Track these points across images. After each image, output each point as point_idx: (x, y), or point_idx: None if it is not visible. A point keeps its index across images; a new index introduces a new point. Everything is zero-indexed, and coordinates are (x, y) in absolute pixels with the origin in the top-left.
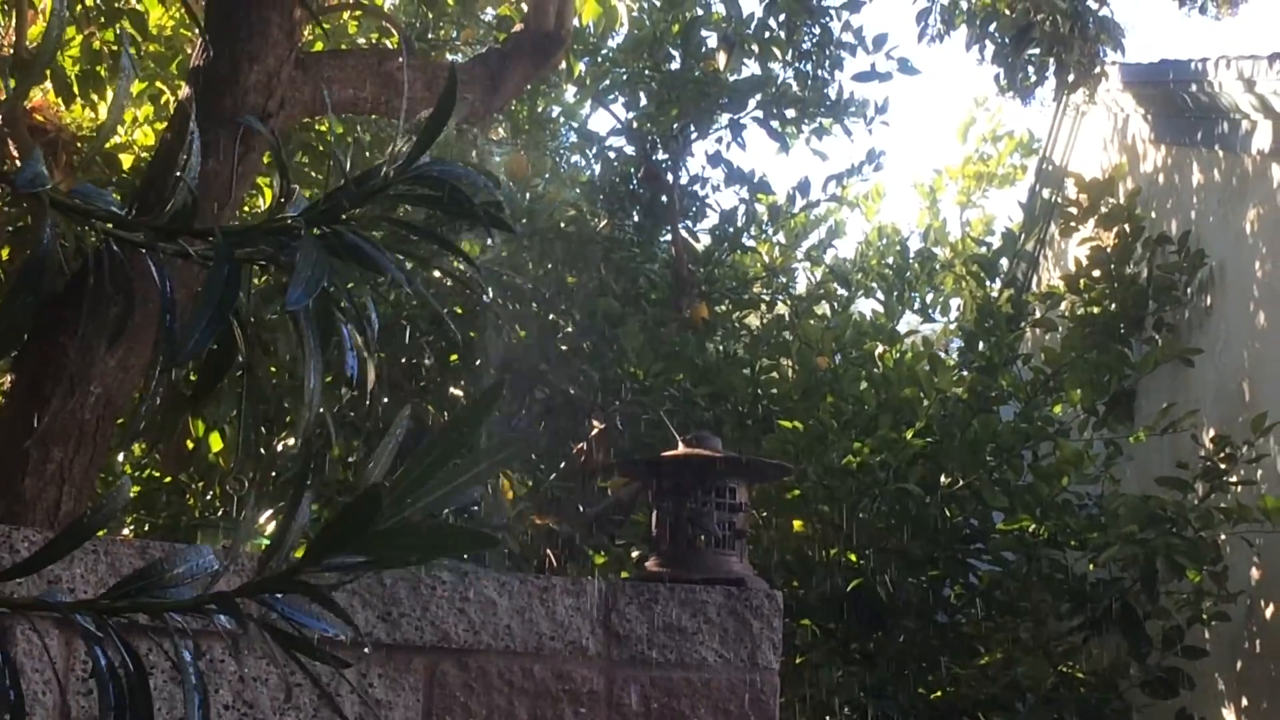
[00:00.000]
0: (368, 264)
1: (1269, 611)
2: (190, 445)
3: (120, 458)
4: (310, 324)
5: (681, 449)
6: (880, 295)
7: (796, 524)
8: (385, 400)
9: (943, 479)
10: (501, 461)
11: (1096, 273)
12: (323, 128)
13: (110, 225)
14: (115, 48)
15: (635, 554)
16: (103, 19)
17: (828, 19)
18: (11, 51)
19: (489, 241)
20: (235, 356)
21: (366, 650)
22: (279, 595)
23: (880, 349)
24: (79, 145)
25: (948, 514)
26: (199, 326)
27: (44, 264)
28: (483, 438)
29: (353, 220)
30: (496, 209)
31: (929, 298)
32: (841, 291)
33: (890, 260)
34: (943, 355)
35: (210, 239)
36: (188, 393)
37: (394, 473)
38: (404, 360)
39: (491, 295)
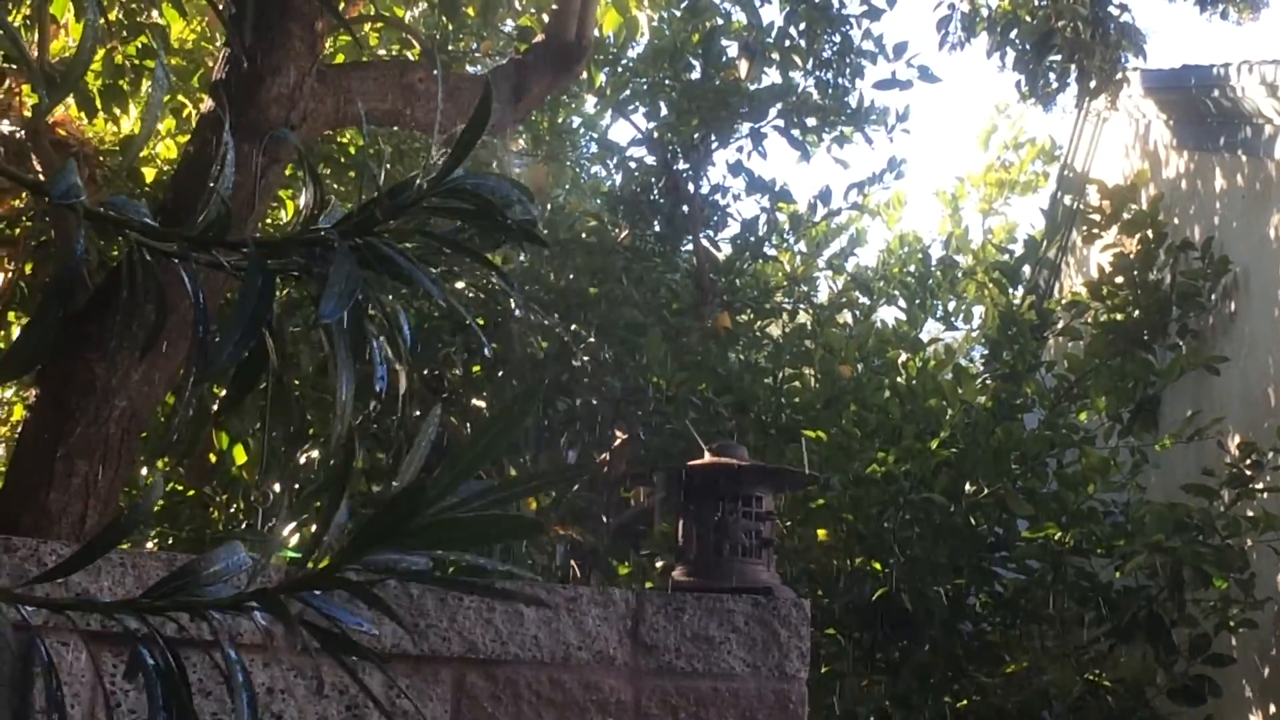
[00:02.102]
0: (400, 276)
1: None
2: (214, 458)
3: (144, 472)
4: (343, 336)
5: (707, 458)
6: (902, 303)
7: (821, 533)
8: (409, 410)
9: (967, 487)
10: (535, 489)
11: (1119, 279)
12: (345, 140)
13: (144, 236)
14: (137, 61)
15: (659, 564)
16: (125, 33)
17: (848, 27)
18: (36, 65)
19: (520, 256)
20: (266, 368)
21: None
22: (318, 592)
23: (903, 357)
24: (101, 160)
25: (973, 522)
26: (233, 338)
27: (74, 277)
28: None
29: (386, 233)
30: (530, 223)
31: (951, 305)
32: (864, 300)
33: (912, 268)
34: (966, 363)
35: (244, 250)
36: (213, 406)
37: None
38: (427, 372)
39: (516, 307)
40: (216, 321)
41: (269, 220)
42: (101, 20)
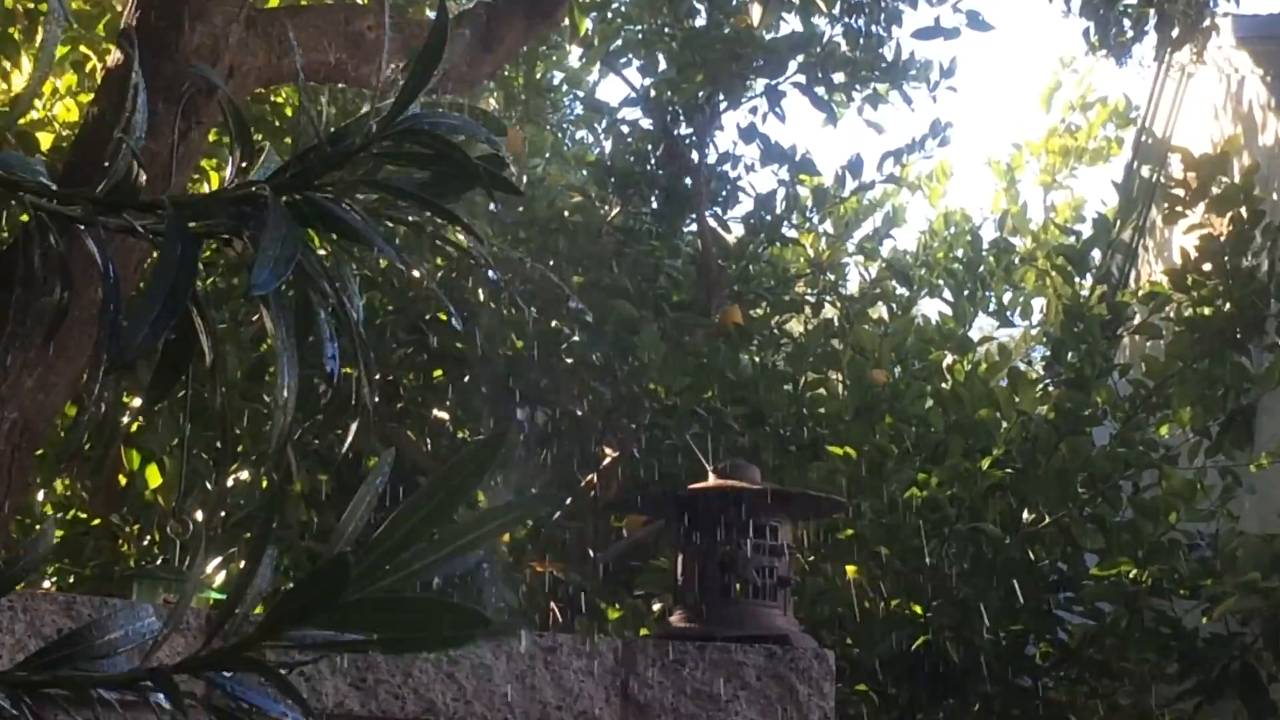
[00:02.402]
0: (350, 236)
1: None
2: (123, 480)
3: (40, 497)
4: (282, 312)
5: (712, 480)
6: (948, 295)
7: (850, 569)
8: (356, 424)
9: (1025, 515)
10: (512, 523)
11: (1207, 266)
12: (280, 99)
13: (40, 198)
14: (30, 4)
15: (657, 607)
16: None
17: None
18: None
19: (492, 211)
20: (194, 352)
21: None
22: (228, 673)
23: (948, 360)
24: None
25: (1031, 557)
26: (150, 315)
27: None
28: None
29: (329, 186)
30: (498, 165)
31: (1006, 298)
32: (901, 291)
33: (960, 253)
34: (1024, 367)
35: (161, 212)
36: (124, 418)
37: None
38: (378, 377)
39: (487, 269)
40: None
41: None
42: None
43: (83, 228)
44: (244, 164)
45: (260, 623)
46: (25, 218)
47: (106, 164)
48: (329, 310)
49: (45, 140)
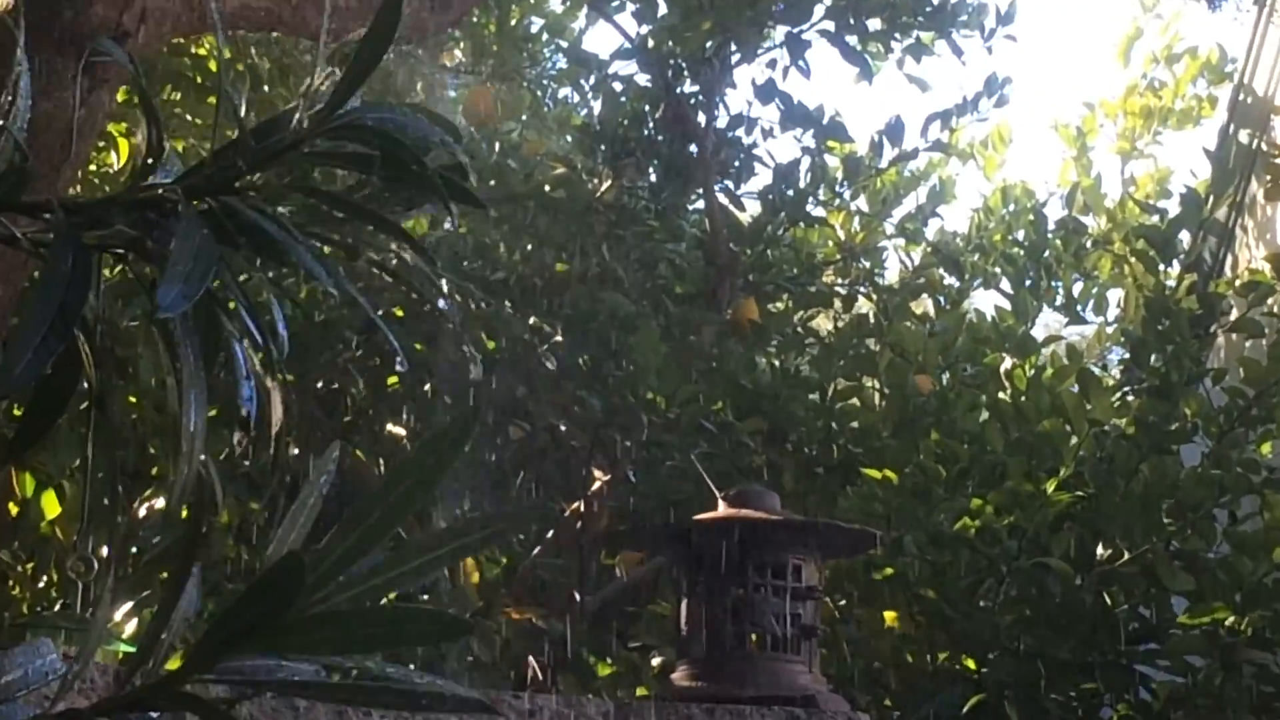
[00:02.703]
0: (272, 252)
1: None
2: (13, 509)
3: None
4: (190, 337)
5: (722, 509)
6: (1006, 286)
7: (889, 616)
8: (293, 443)
9: (1099, 550)
10: (476, 544)
11: None
12: (203, 51)
13: None
14: None
15: (657, 661)
16: None
17: None
18: None
19: (451, 219)
20: (78, 383)
21: None
22: (154, 715)
23: (1007, 363)
24: None
25: (1107, 600)
26: (31, 342)
27: None
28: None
29: (251, 190)
30: (458, 174)
31: (1077, 289)
32: (950, 281)
33: (1020, 235)
34: (1098, 371)
35: (48, 216)
36: (9, 435)
37: (314, 543)
38: (320, 385)
39: (447, 293)
40: (11, 317)
41: (94, 166)
42: None
43: None
44: (149, 159)
45: (192, 651)
46: None
47: None
48: (243, 343)
49: None
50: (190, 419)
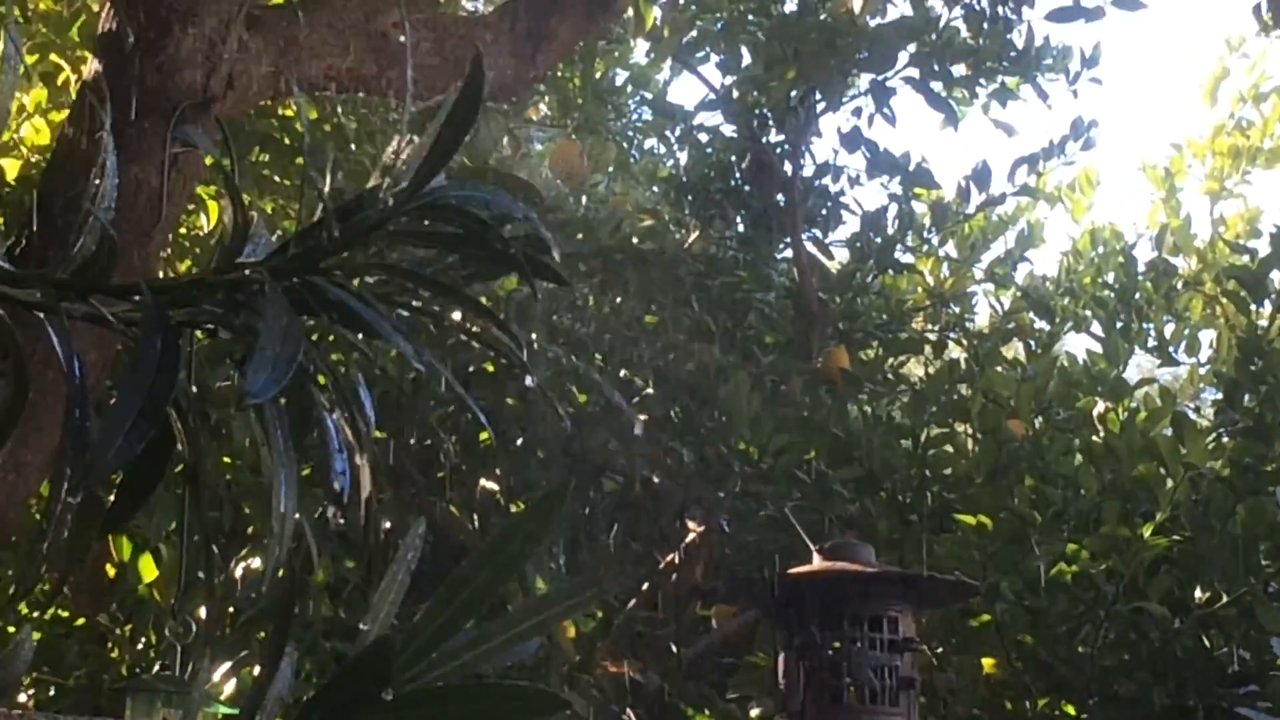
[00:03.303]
0: (358, 327)
1: None
2: (112, 572)
3: (13, 591)
4: (280, 419)
5: (818, 562)
6: (1097, 329)
7: (987, 663)
8: (387, 501)
9: (1197, 593)
10: (574, 607)
11: None
12: (289, 112)
13: None
14: None
15: (755, 713)
16: None
17: None
18: None
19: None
20: (171, 457)
21: None
22: None
23: (1100, 407)
24: None
25: (1206, 644)
26: (123, 425)
27: None
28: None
29: (336, 269)
30: (540, 248)
31: (1168, 330)
32: (1041, 325)
33: (1110, 278)
34: (1192, 414)
35: (137, 298)
36: (108, 502)
37: (410, 606)
38: (414, 442)
39: (536, 347)
40: (101, 395)
41: (184, 229)
42: None
43: (42, 315)
44: (235, 242)
45: None
46: None
47: (80, 207)
48: (334, 415)
49: (11, 168)
50: (281, 500)
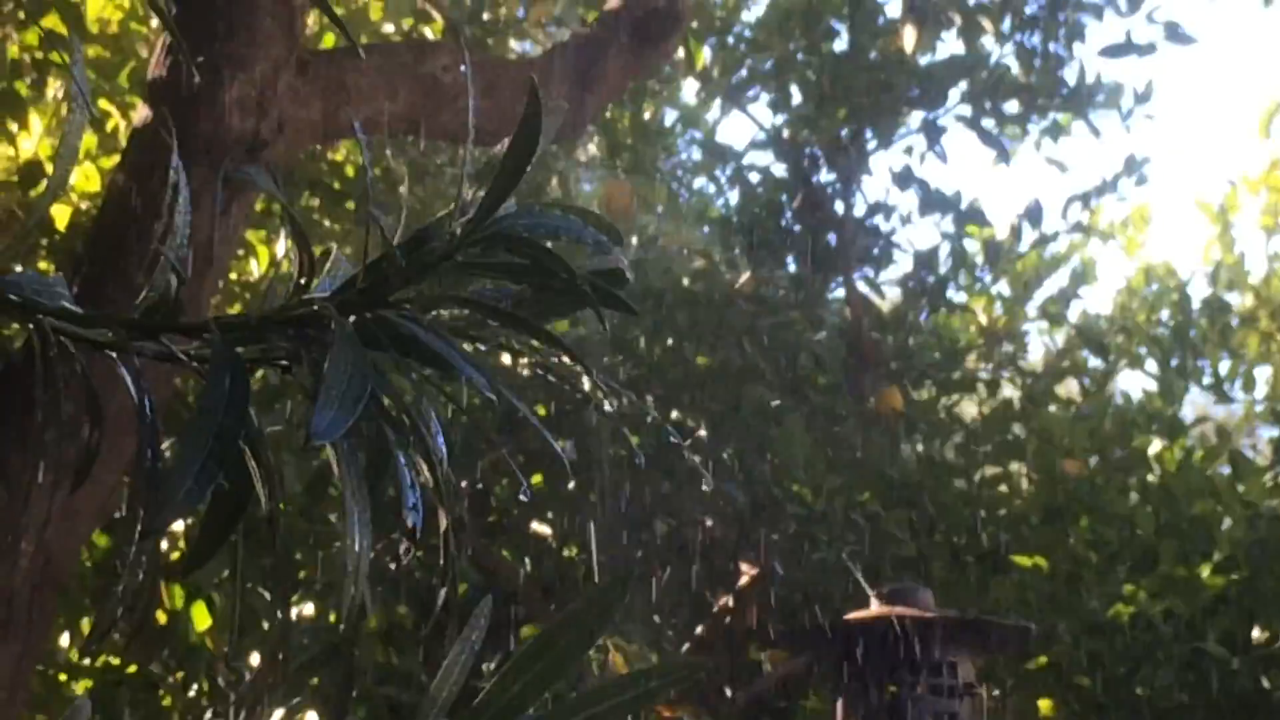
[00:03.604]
0: (430, 361)
1: None
2: (163, 619)
3: (65, 639)
4: (351, 457)
5: (875, 607)
6: (1152, 366)
7: (1045, 705)
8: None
9: (1255, 633)
10: (656, 692)
11: None
12: (339, 157)
13: (65, 322)
14: (40, 54)
15: None
16: (21, 13)
17: None
18: None
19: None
20: (249, 501)
21: None
22: None
23: (1156, 446)
24: None
25: (1265, 684)
26: (194, 466)
27: None
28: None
29: (405, 303)
30: (613, 280)
31: (1224, 368)
32: (1095, 363)
33: (1165, 315)
34: (1249, 451)
35: (206, 336)
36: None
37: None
38: (466, 485)
39: (596, 391)
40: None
41: (234, 275)
42: None
43: (114, 354)
44: (304, 279)
45: None
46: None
47: (134, 260)
48: (407, 450)
49: (61, 216)
50: (355, 538)
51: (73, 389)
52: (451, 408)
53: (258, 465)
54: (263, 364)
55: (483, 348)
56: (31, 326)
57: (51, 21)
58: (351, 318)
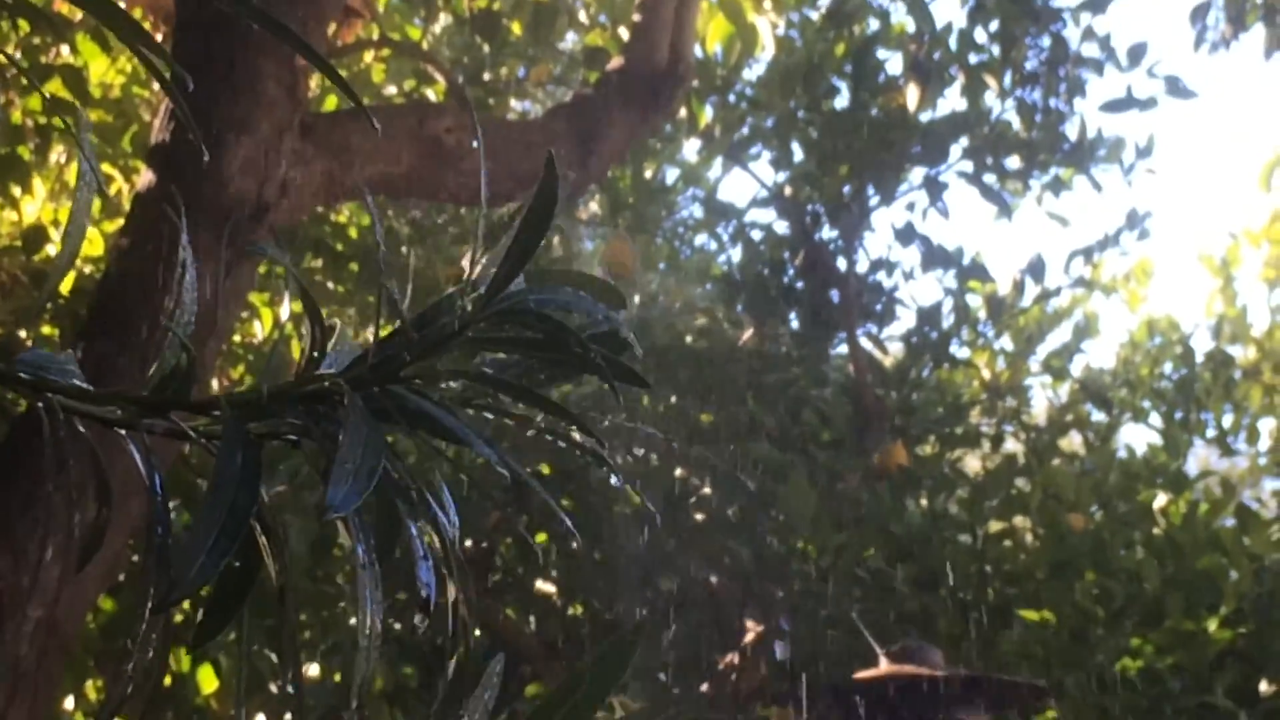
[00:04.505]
0: (441, 433)
1: None
2: (169, 682)
3: (70, 702)
4: (363, 533)
5: (884, 666)
6: (1156, 420)
7: None
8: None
9: (1263, 686)
10: None
11: None
12: (343, 219)
13: (74, 400)
14: (43, 120)
15: None
16: (24, 80)
17: (1061, 25)
18: None
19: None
20: (258, 575)
21: None
22: None
23: (1161, 499)
24: None
25: None
26: (204, 545)
27: None
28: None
29: (416, 378)
30: (615, 346)
31: (1227, 421)
32: (1099, 417)
33: (1168, 368)
34: (1254, 504)
35: (216, 413)
36: (178, 618)
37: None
38: (470, 545)
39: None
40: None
41: (238, 337)
42: None
43: (123, 432)
44: (314, 354)
45: None
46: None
47: (139, 324)
48: (418, 522)
49: (65, 280)
50: (367, 613)
51: (80, 462)
52: (455, 469)
53: (268, 540)
54: (272, 438)
55: (488, 416)
56: (41, 405)
57: (54, 86)
58: (363, 393)
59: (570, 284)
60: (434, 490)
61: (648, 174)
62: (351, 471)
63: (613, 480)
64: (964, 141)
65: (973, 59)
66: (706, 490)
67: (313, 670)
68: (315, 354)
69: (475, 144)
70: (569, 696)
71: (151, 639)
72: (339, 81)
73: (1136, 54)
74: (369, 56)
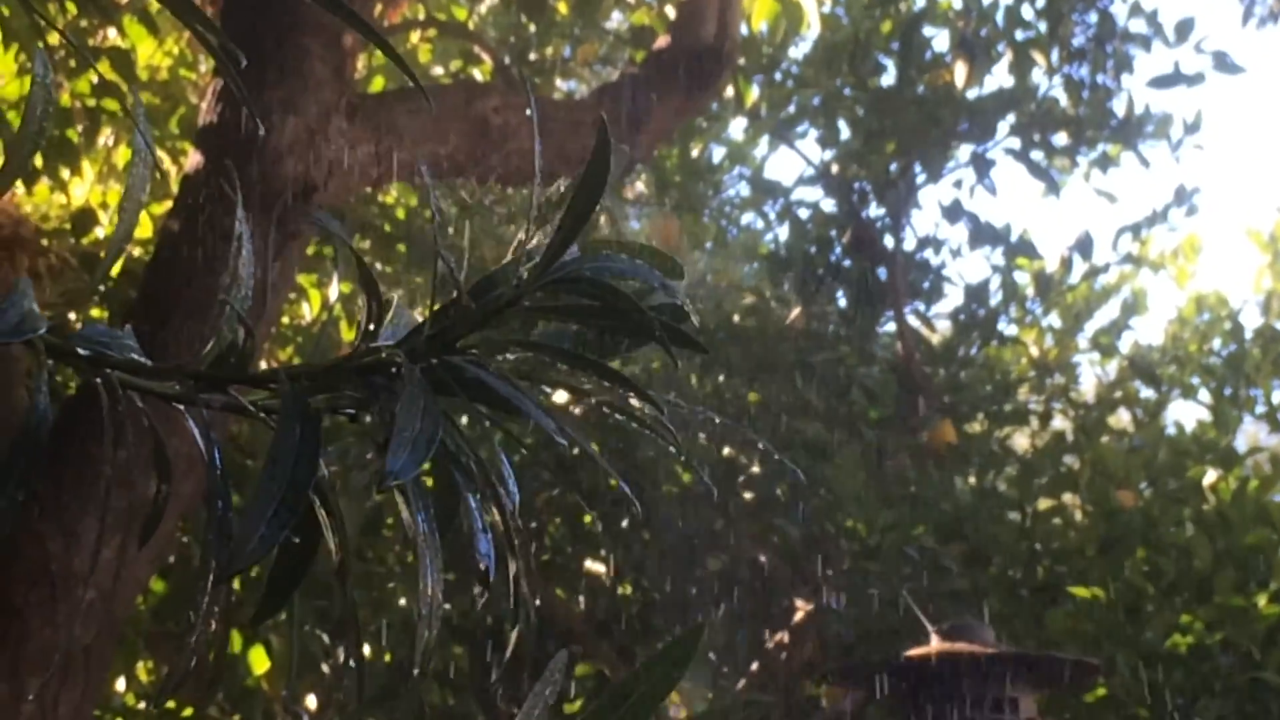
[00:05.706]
0: (499, 405)
1: None
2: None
3: (121, 685)
4: (422, 501)
5: (935, 643)
6: (1205, 396)
7: None
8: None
9: None
10: None
11: None
12: (390, 199)
13: (132, 375)
14: (92, 101)
15: None
16: (73, 62)
17: (1108, 1)
18: None
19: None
20: (317, 551)
21: None
22: None
23: (1211, 476)
24: (47, 244)
25: None
26: (264, 514)
27: (36, 439)
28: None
29: (473, 348)
30: (677, 316)
31: (1277, 396)
32: (1148, 394)
33: (1217, 344)
34: None
35: (273, 386)
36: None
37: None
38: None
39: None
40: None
41: (287, 319)
42: (40, 44)
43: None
44: (371, 325)
45: None
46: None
47: (187, 306)
48: (477, 494)
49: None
50: (428, 584)
51: (139, 438)
52: (508, 446)
53: (327, 515)
54: (330, 411)
55: (545, 389)
56: (99, 380)
57: (102, 69)
58: (420, 364)
59: (626, 253)
60: (493, 462)
61: (694, 153)
62: (410, 439)
63: (671, 450)
64: (1011, 118)
65: (1020, 35)
66: (755, 469)
67: (364, 650)
68: (372, 326)
69: (523, 122)
70: (635, 688)
71: (212, 613)
72: (393, 55)
73: (1184, 29)
74: (415, 37)
